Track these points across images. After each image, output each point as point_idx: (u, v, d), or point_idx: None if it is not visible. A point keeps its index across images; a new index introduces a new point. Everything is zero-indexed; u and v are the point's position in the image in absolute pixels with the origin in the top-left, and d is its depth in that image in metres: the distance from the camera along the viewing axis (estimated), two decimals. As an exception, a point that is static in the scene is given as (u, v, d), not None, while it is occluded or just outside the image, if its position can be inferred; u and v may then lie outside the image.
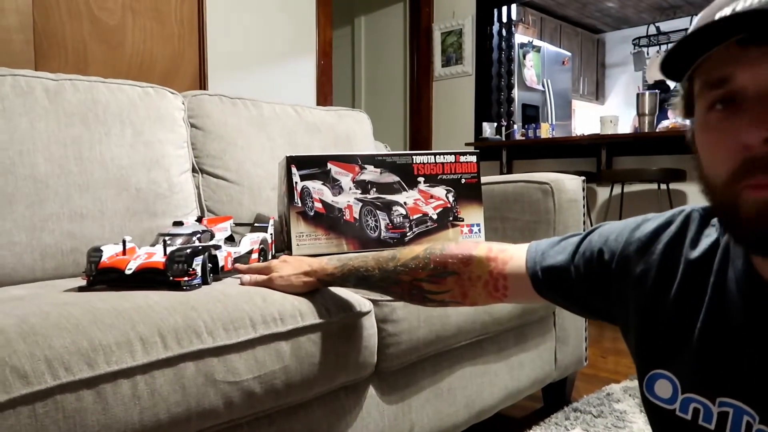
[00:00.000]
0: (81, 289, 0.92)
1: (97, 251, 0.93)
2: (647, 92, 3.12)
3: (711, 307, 0.59)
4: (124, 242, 0.97)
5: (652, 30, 5.85)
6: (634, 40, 6.10)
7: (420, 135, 4.11)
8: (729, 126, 0.49)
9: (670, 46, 0.51)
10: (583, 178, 1.64)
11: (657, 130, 2.99)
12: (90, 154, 1.24)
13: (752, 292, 0.56)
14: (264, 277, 0.97)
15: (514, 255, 0.78)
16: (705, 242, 0.62)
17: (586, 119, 6.08)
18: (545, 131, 3.66)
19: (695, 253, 0.62)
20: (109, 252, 0.94)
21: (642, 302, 0.65)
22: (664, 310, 0.63)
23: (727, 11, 0.47)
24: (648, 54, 5.93)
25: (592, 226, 3.36)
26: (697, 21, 0.53)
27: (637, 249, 0.66)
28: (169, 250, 0.94)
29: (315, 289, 0.96)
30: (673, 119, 2.89)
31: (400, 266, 0.84)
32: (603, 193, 3.29)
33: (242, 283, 0.97)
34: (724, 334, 0.58)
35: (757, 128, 0.47)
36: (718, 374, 0.58)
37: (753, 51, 0.48)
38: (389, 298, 1.05)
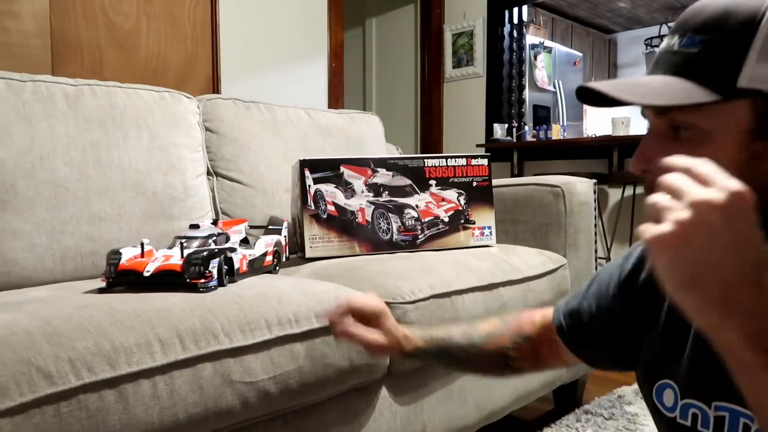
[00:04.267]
0: (101, 290, 0.94)
1: (116, 254, 0.95)
2: (659, 93, 3.10)
3: None
4: (142, 245, 0.99)
5: (665, 30, 5.81)
6: (646, 40, 6.06)
7: (431, 136, 4.11)
8: None
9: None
10: (595, 180, 1.64)
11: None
12: (108, 158, 1.26)
13: None
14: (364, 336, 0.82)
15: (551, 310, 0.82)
16: None
17: (598, 120, 6.05)
18: (556, 132, 3.66)
19: None
20: (128, 254, 0.96)
21: (644, 318, 0.68)
22: (662, 319, 0.65)
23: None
24: (660, 54, 5.89)
25: (603, 228, 3.33)
26: None
27: (631, 270, 0.70)
28: (185, 252, 0.96)
29: (394, 354, 0.86)
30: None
31: (485, 335, 0.83)
32: (615, 194, 3.28)
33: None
34: None
35: (635, 160, 0.57)
36: (711, 378, 0.58)
37: None
38: (402, 300, 1.06)
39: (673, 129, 0.55)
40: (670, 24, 5.80)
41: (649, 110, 0.58)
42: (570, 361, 0.80)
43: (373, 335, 0.80)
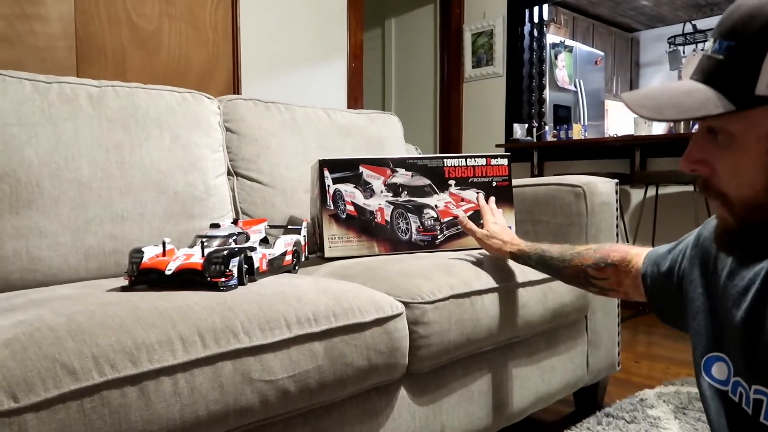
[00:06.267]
0: (123, 289, 0.96)
1: (138, 252, 0.97)
2: (683, 92, 3.05)
3: (756, 295, 0.60)
4: (163, 244, 1.00)
5: (689, 28, 5.72)
6: (669, 38, 5.98)
7: (450, 136, 4.10)
8: None
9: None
10: (616, 180, 1.62)
11: (693, 131, 2.93)
12: (131, 159, 1.28)
13: None
14: (473, 227, 1.28)
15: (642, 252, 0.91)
16: None
17: (620, 120, 5.98)
18: (577, 132, 3.62)
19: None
20: (150, 253, 0.98)
21: (710, 287, 0.70)
22: (723, 293, 0.66)
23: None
24: (684, 53, 5.81)
25: (625, 229, 3.28)
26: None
27: (703, 244, 0.73)
28: (206, 251, 0.97)
29: (502, 257, 1.24)
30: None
31: (575, 253, 1.01)
32: (637, 195, 3.24)
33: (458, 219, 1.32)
34: (761, 321, 0.59)
35: (682, 160, 0.60)
36: (753, 361, 0.59)
37: None
38: (422, 300, 1.06)
39: (711, 131, 0.58)
40: (694, 22, 5.71)
41: None
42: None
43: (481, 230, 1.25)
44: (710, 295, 0.69)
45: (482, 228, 1.27)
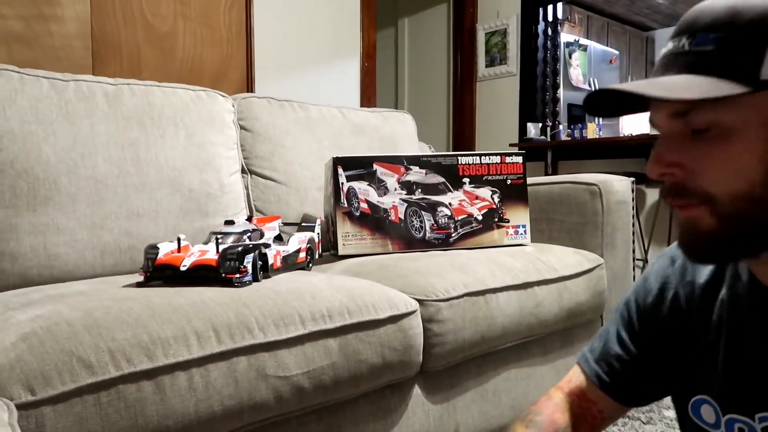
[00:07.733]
0: (139, 284, 0.96)
1: (153, 248, 0.97)
2: (700, 91, 3.02)
3: (730, 324, 0.60)
4: (179, 240, 1.01)
5: (705, 26, 5.65)
6: (685, 37, 5.90)
7: (463, 135, 4.09)
8: None
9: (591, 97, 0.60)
10: (633, 179, 1.60)
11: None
12: (146, 156, 1.28)
13: (759, 301, 0.57)
14: None
15: (576, 373, 0.79)
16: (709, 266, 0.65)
17: (635, 119, 5.92)
18: (592, 131, 3.59)
19: (703, 278, 0.65)
20: (165, 249, 0.98)
21: (673, 337, 0.68)
22: (691, 337, 0.65)
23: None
24: (700, 51, 5.73)
25: (641, 228, 3.24)
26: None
27: (656, 296, 0.70)
28: (221, 247, 0.97)
29: None
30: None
31: None
32: (652, 194, 3.21)
33: None
34: (744, 348, 0.58)
35: (652, 164, 0.56)
36: (748, 390, 0.57)
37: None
38: (436, 297, 1.06)
39: (692, 131, 0.54)
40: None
41: (661, 115, 0.56)
42: (611, 413, 0.76)
43: None
44: (682, 343, 0.66)
45: None
